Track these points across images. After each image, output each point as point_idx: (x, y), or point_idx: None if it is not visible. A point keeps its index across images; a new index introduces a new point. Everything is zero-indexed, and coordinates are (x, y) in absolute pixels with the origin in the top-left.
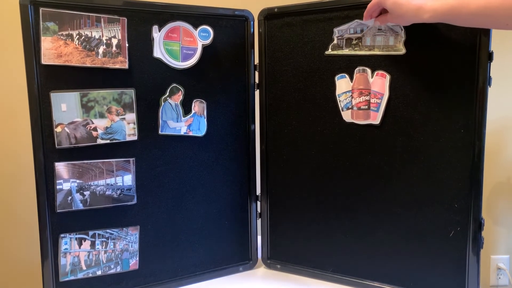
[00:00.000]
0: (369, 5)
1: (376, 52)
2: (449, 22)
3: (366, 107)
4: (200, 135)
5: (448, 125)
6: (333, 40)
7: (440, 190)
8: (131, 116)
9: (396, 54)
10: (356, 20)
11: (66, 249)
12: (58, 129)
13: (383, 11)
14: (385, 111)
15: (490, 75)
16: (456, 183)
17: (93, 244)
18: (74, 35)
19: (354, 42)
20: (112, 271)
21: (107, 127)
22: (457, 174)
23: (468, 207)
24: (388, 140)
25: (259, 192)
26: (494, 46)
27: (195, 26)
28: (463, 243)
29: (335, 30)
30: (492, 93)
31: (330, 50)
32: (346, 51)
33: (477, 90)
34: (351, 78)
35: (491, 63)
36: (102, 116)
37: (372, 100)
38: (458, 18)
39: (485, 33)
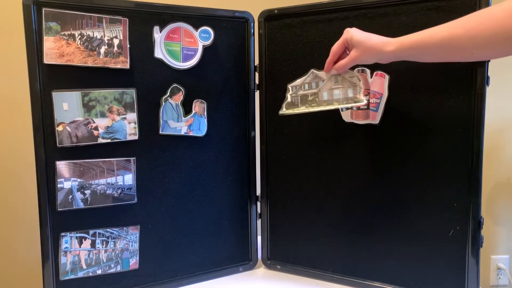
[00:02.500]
0: (333, 48)
1: (335, 106)
2: (414, 57)
3: (366, 107)
4: (200, 135)
5: (447, 125)
6: (287, 99)
7: (440, 190)
8: (132, 116)
9: (357, 105)
10: (312, 71)
11: (66, 248)
12: (60, 128)
13: (341, 57)
14: (384, 111)
15: (488, 74)
16: (455, 182)
17: (93, 243)
18: (76, 35)
19: (310, 98)
20: (112, 270)
21: (108, 127)
22: (456, 173)
23: (467, 206)
24: (388, 140)
25: (259, 192)
26: None
27: (196, 27)
28: (463, 242)
29: (289, 86)
30: (492, 93)
31: (284, 109)
32: (302, 109)
33: (475, 89)
34: None
35: (489, 63)
36: (103, 115)
37: (371, 100)
38: (423, 51)
39: None
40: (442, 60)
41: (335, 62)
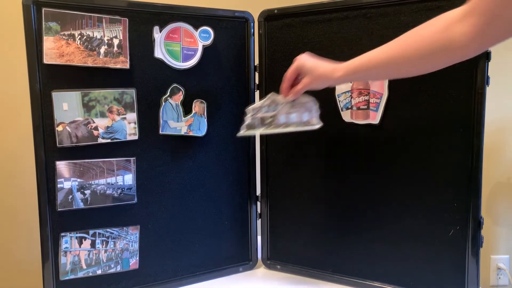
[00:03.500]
0: (287, 74)
1: (291, 128)
2: (362, 79)
3: (366, 107)
4: (200, 135)
5: (447, 124)
6: (247, 120)
7: (439, 190)
8: (132, 116)
9: (311, 129)
10: (271, 94)
11: (66, 248)
12: (60, 128)
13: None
14: (384, 110)
15: (488, 74)
16: (455, 182)
17: (93, 243)
18: (76, 35)
19: (268, 120)
20: (112, 271)
21: (108, 127)
22: (456, 173)
23: (467, 206)
24: (388, 140)
25: (259, 192)
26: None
27: (196, 27)
28: (463, 242)
29: (249, 109)
30: (492, 93)
31: (244, 130)
32: (260, 130)
33: (475, 89)
34: None
35: (489, 63)
36: (103, 115)
37: (371, 100)
38: (367, 73)
39: None
40: (386, 78)
41: (292, 86)
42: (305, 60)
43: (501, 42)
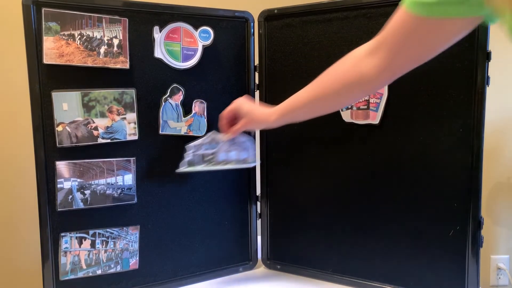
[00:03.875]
0: (223, 113)
1: (230, 166)
2: (294, 119)
3: (366, 107)
4: (200, 135)
5: (447, 125)
6: (187, 157)
7: (439, 190)
8: (132, 116)
9: (248, 166)
10: (212, 132)
11: (66, 248)
12: (59, 128)
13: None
14: (384, 110)
15: (489, 74)
16: (455, 182)
17: (93, 243)
18: (76, 35)
19: (209, 157)
20: (112, 271)
21: (108, 127)
22: (456, 173)
23: (467, 206)
24: (388, 140)
25: (259, 192)
26: (493, 45)
27: (196, 27)
28: (463, 242)
29: (190, 145)
30: (492, 93)
31: (185, 166)
32: (200, 167)
33: (475, 89)
34: None
35: (489, 63)
36: (103, 115)
37: (371, 100)
38: (297, 113)
39: (483, 33)
40: (316, 115)
41: (231, 125)
42: (242, 104)
43: (407, 71)
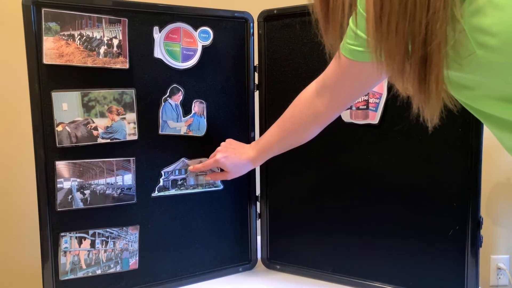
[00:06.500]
0: (206, 164)
1: (199, 189)
2: (269, 155)
3: (365, 106)
4: (200, 135)
5: (446, 124)
6: (159, 182)
7: (439, 190)
8: (132, 116)
9: (216, 189)
10: (183, 159)
11: (66, 248)
12: (59, 128)
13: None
14: (383, 110)
15: None
16: (454, 182)
17: (93, 243)
18: (76, 35)
19: (179, 182)
20: (111, 271)
21: (107, 127)
22: (456, 173)
23: (466, 206)
24: (387, 140)
25: (259, 192)
26: None
27: (195, 27)
28: (462, 242)
29: (162, 172)
30: None
31: (157, 192)
32: (172, 192)
33: None
34: None
35: None
36: (102, 115)
37: (370, 100)
38: (272, 150)
39: None
40: (290, 148)
41: None
42: (225, 163)
43: (352, 103)
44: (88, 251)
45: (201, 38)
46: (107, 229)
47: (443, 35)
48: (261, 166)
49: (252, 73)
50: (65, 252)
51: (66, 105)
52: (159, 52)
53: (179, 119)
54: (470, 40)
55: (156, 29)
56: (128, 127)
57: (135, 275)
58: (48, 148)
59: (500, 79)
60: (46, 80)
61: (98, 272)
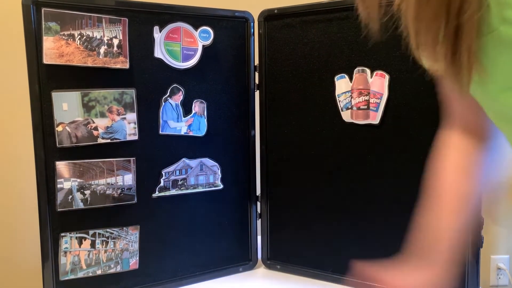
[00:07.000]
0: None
1: (200, 189)
2: None
3: (366, 107)
4: (200, 135)
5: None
6: (160, 182)
7: None
8: (132, 116)
9: (216, 189)
10: (183, 160)
11: (66, 248)
12: (59, 128)
13: None
14: (384, 111)
15: None
16: None
17: (93, 243)
18: (76, 35)
19: (180, 182)
20: (112, 271)
21: (107, 127)
22: None
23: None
24: (388, 140)
25: (259, 192)
26: None
27: (196, 27)
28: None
29: (163, 172)
30: None
31: (157, 192)
32: (173, 192)
33: None
34: (351, 78)
35: None
36: (103, 115)
37: (371, 100)
38: None
39: None
40: None
41: None
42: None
43: None
44: (88, 251)
45: (201, 37)
46: (107, 229)
47: (476, 5)
48: (261, 166)
49: (252, 73)
50: (65, 252)
51: (66, 105)
52: (159, 52)
53: (180, 119)
54: (494, 14)
55: (156, 28)
56: (128, 127)
57: (135, 275)
58: (48, 148)
59: None
60: (46, 80)
61: (99, 272)
